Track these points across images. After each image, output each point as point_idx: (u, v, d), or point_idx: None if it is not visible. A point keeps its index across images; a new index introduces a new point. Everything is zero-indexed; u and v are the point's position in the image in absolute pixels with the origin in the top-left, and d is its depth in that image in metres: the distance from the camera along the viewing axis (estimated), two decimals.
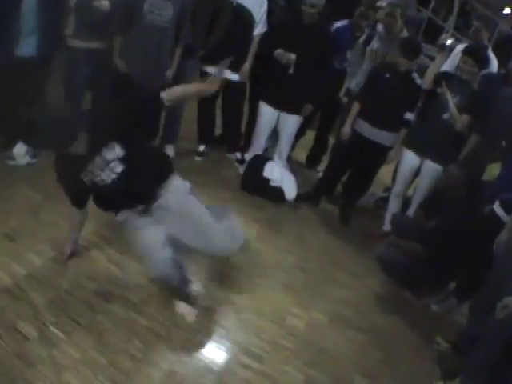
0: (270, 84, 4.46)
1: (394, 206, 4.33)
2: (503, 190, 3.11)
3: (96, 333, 2.65)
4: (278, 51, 4.18)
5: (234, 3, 4.22)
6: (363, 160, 4.31)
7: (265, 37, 4.41)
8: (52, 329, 2.60)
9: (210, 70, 4.38)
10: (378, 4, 4.61)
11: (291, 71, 4.23)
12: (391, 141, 4.14)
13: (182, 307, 3.00)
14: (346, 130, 4.22)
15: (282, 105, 4.44)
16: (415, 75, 4.04)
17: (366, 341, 3.14)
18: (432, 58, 5.23)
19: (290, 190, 4.51)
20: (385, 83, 4.00)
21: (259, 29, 4.33)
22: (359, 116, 4.18)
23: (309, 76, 4.23)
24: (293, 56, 4.16)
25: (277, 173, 4.51)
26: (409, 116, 4.03)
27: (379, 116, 4.06)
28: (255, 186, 4.51)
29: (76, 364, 2.45)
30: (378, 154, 4.21)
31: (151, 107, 2.79)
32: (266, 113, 4.52)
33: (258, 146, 4.75)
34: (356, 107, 4.20)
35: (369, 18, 4.59)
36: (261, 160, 4.64)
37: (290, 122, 4.53)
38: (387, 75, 4.01)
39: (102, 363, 2.49)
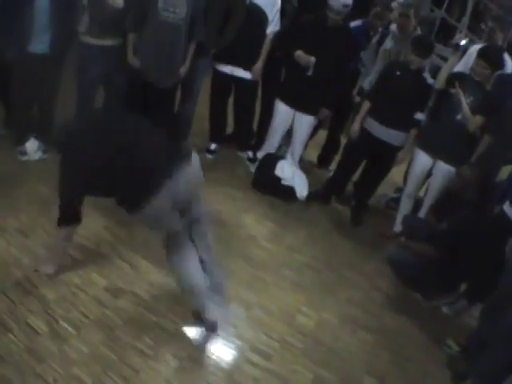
0: (288, 83, 4.47)
1: (405, 206, 4.32)
2: None
3: (106, 328, 2.66)
4: (298, 53, 4.16)
5: (247, 1, 4.21)
6: (373, 159, 4.31)
7: (284, 36, 4.39)
8: (62, 324, 2.61)
9: (224, 68, 4.41)
10: (393, 5, 4.60)
11: (310, 73, 4.22)
12: (400, 140, 4.12)
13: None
14: (356, 127, 4.22)
15: (298, 104, 4.43)
16: (426, 75, 4.03)
17: (375, 341, 3.14)
18: (444, 59, 5.20)
19: (302, 189, 4.51)
20: (395, 81, 4.00)
21: (272, 27, 4.31)
22: (369, 114, 4.17)
23: (327, 79, 4.22)
24: (312, 59, 4.14)
25: (288, 171, 4.50)
26: (419, 116, 4.01)
27: (389, 114, 4.05)
28: (266, 184, 4.51)
29: (85, 359, 2.46)
30: (387, 154, 4.19)
31: None
32: (282, 111, 4.52)
33: (270, 145, 4.74)
34: (366, 105, 4.19)
35: (384, 18, 4.59)
36: (272, 158, 4.63)
37: (305, 122, 4.52)
38: (398, 73, 4.00)
39: (112, 359, 2.50)
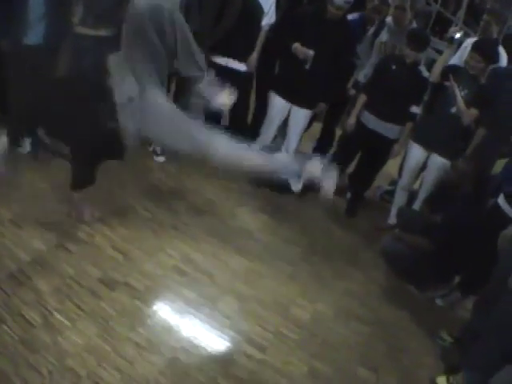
0: (284, 77, 4.43)
1: (399, 199, 4.33)
2: (508, 181, 3.10)
3: (100, 320, 2.65)
4: (296, 46, 4.12)
5: None
6: (369, 152, 4.31)
7: (280, 28, 4.35)
8: (56, 315, 2.60)
9: (219, 60, 4.38)
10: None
11: (308, 67, 4.19)
12: (396, 134, 4.13)
13: None
14: (351, 121, 4.22)
15: (294, 98, 4.39)
16: (422, 68, 4.03)
17: (370, 333, 3.15)
18: (440, 52, 5.19)
19: (296, 182, 4.50)
20: (391, 75, 3.99)
21: (267, 19, 4.28)
22: (365, 108, 4.17)
23: (325, 72, 4.19)
24: (311, 52, 4.10)
25: None
26: (415, 109, 4.02)
27: (385, 108, 4.05)
28: (261, 176, 4.48)
29: (80, 351, 2.45)
30: (382, 147, 4.20)
31: None
32: (278, 104, 4.47)
33: (266, 137, 4.72)
34: (362, 99, 4.19)
35: (382, 12, 4.57)
36: (267, 151, 4.61)
37: (301, 116, 4.47)
38: (394, 67, 4.00)
39: (106, 350, 2.50)
